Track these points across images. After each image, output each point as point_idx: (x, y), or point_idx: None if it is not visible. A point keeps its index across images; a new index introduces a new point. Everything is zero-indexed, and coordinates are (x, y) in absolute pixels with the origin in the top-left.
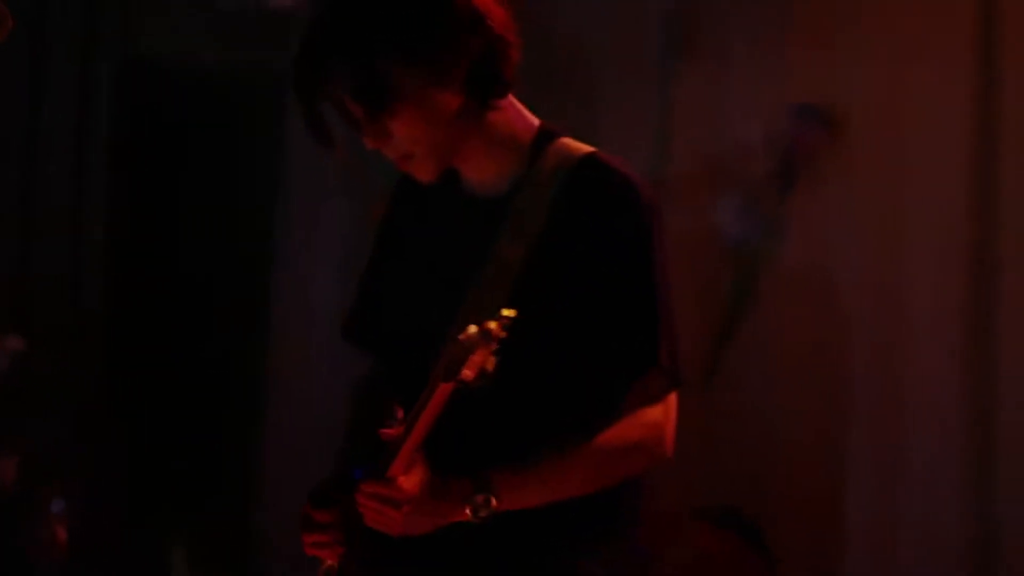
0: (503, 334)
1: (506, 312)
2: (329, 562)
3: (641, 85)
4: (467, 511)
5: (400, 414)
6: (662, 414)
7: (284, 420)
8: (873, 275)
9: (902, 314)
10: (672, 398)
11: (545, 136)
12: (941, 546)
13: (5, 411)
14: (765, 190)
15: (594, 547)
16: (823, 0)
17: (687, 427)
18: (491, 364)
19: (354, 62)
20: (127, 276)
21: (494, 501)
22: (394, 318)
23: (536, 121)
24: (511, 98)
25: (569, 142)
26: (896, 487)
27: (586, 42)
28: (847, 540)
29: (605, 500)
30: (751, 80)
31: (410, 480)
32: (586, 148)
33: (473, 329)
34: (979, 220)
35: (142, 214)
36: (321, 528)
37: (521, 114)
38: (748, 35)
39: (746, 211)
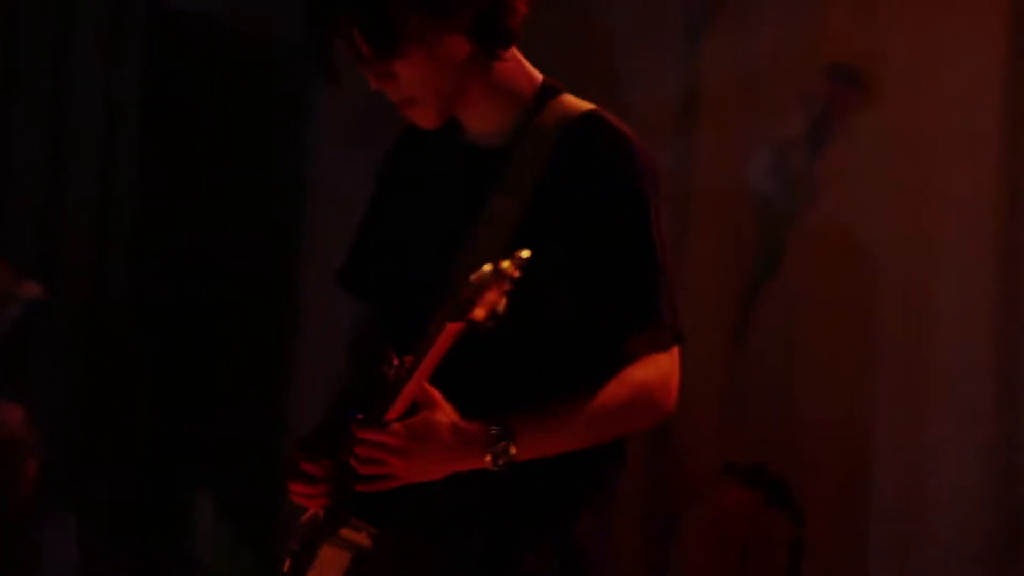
0: (517, 274)
1: (522, 253)
2: (313, 510)
3: (668, 40)
4: (487, 458)
5: (394, 359)
6: (668, 368)
7: (312, 400)
8: (903, 234)
9: (931, 273)
10: (676, 353)
11: (548, 91)
12: (969, 505)
13: (15, 358)
14: (796, 149)
15: (582, 510)
16: None
17: (715, 384)
18: (502, 305)
19: (366, 1)
20: (153, 243)
21: (513, 449)
22: (391, 265)
23: (540, 76)
24: (516, 52)
25: (571, 98)
26: (923, 445)
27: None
28: (874, 498)
29: (593, 461)
30: (783, 39)
31: (413, 422)
32: (587, 105)
33: (487, 267)
34: (1010, 179)
35: (170, 179)
36: (310, 479)
37: (524, 68)
38: None
39: (776, 170)
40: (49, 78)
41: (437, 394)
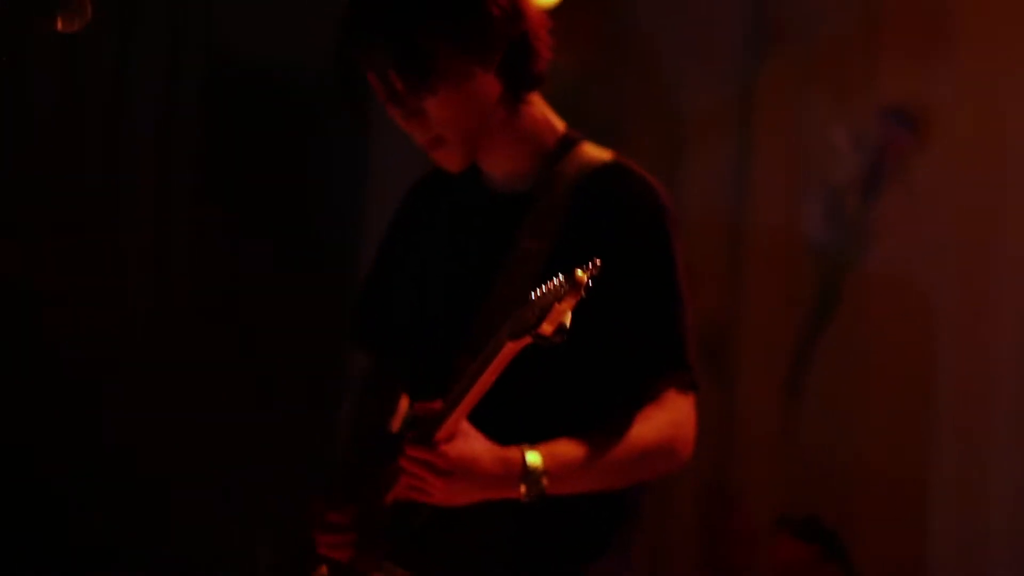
0: (589, 284)
1: (596, 261)
2: (323, 571)
3: (724, 88)
4: (522, 488)
5: (409, 405)
6: (688, 415)
7: None
8: (961, 279)
9: (991, 319)
10: (693, 401)
11: (569, 140)
12: None
13: None
14: (850, 193)
15: (599, 553)
16: None
17: (770, 434)
18: (568, 319)
19: (400, 34)
20: (211, 267)
21: (545, 480)
22: (407, 310)
23: (562, 126)
24: (541, 101)
25: (592, 147)
26: (983, 500)
27: (668, 45)
28: (931, 549)
29: (611, 506)
30: (838, 81)
31: (458, 447)
32: (609, 153)
33: (559, 279)
34: None
35: (228, 209)
36: (336, 529)
37: (547, 117)
38: (835, 35)
39: (831, 215)
40: (106, 109)
41: (467, 424)
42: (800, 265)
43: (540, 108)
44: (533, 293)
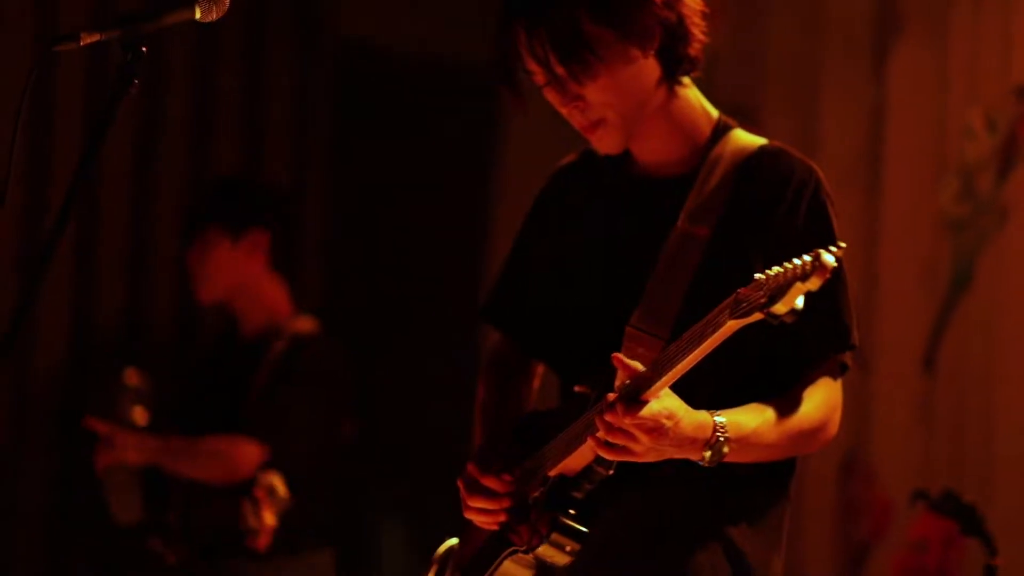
0: (836, 266)
1: (840, 243)
2: (452, 543)
3: (857, 64)
4: (706, 453)
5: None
6: (839, 398)
7: None
8: None
9: None
10: (841, 382)
11: (723, 126)
12: None
13: (267, 394)
14: (984, 171)
15: (760, 528)
16: None
17: (907, 411)
18: (801, 301)
19: (562, 21)
20: (344, 264)
21: (726, 448)
22: (558, 294)
23: (715, 112)
24: (694, 88)
25: (745, 133)
26: None
27: (800, 24)
28: None
29: (771, 482)
30: (971, 58)
31: (662, 404)
32: (761, 139)
33: (803, 260)
34: None
35: (361, 199)
36: (491, 494)
37: (702, 103)
38: (969, 9)
39: (965, 194)
40: (243, 98)
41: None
42: (935, 243)
43: (695, 93)
44: (759, 275)
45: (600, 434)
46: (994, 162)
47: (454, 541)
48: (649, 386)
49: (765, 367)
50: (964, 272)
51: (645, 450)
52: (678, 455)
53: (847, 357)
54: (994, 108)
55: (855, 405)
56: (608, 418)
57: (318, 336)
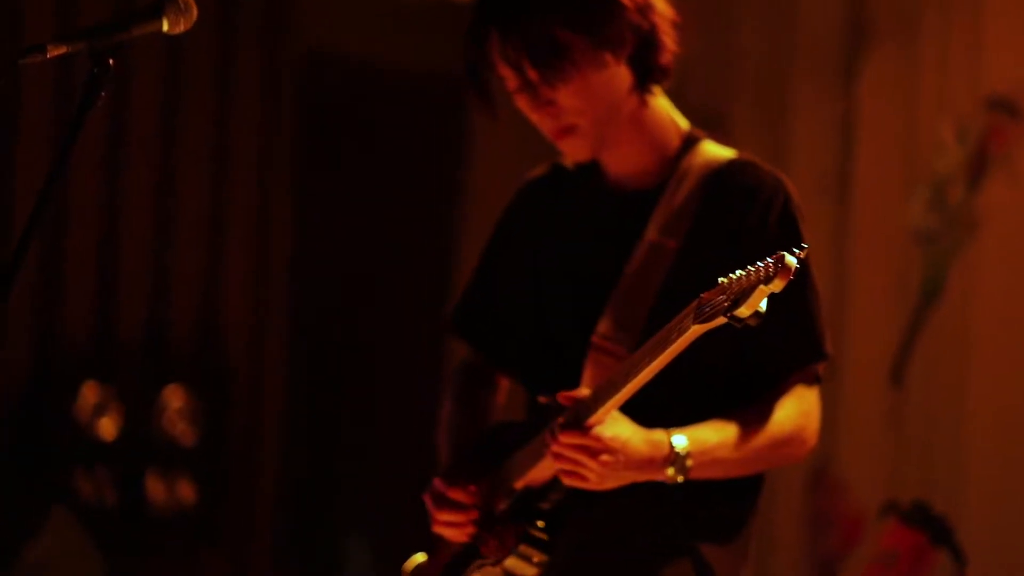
0: (798, 268)
1: (804, 245)
2: (420, 559)
3: (827, 75)
4: (668, 471)
5: (531, 394)
6: (815, 407)
7: None
8: None
9: None
10: (817, 392)
11: (692, 138)
12: None
13: None
14: (954, 183)
15: (726, 542)
16: None
17: (877, 422)
18: (764, 304)
19: (535, 25)
20: (310, 276)
21: (690, 464)
22: (526, 307)
23: (685, 123)
24: (665, 99)
25: (714, 145)
26: None
27: (770, 35)
28: None
29: (739, 495)
30: (941, 69)
31: (610, 429)
32: (731, 151)
33: (766, 263)
34: None
35: (326, 209)
36: (457, 507)
37: (672, 115)
38: (939, 21)
39: (935, 204)
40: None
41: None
42: (905, 254)
43: (666, 104)
44: (723, 279)
45: (549, 460)
46: (964, 173)
47: (422, 556)
48: (589, 413)
49: (737, 380)
50: (934, 284)
51: (597, 476)
52: (642, 477)
53: (820, 367)
54: (964, 119)
55: (825, 417)
56: (552, 446)
57: None
